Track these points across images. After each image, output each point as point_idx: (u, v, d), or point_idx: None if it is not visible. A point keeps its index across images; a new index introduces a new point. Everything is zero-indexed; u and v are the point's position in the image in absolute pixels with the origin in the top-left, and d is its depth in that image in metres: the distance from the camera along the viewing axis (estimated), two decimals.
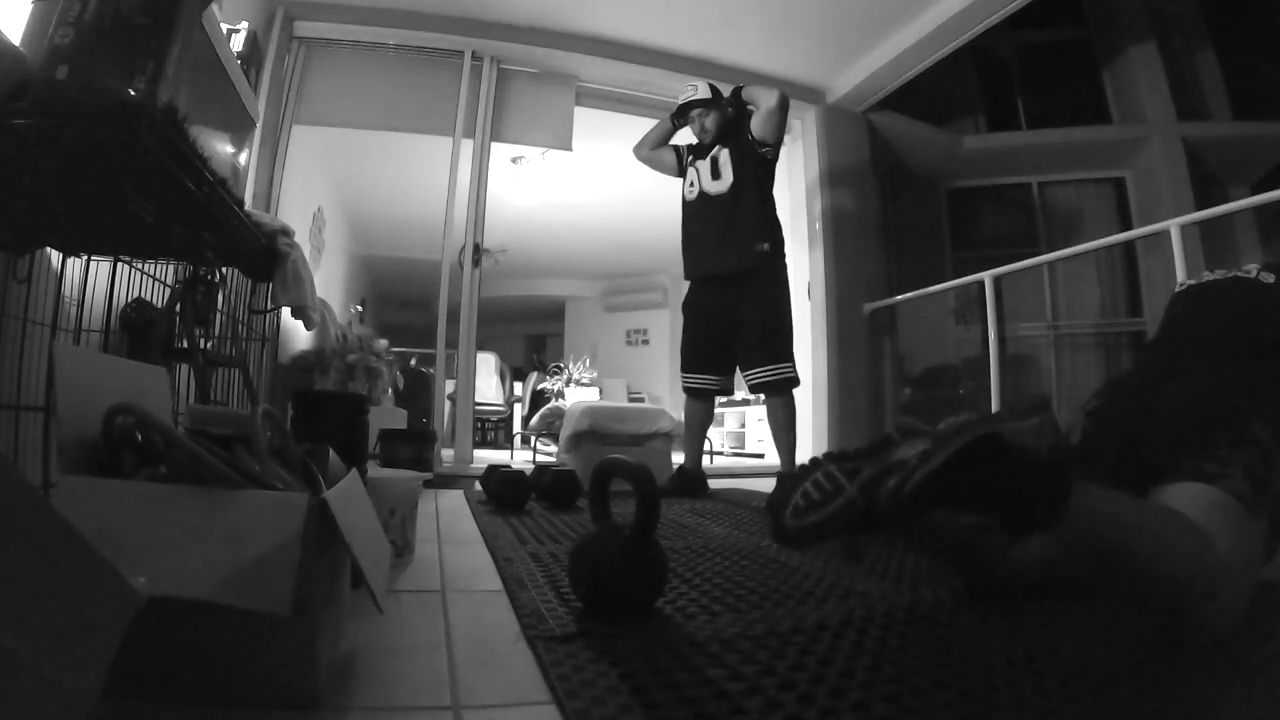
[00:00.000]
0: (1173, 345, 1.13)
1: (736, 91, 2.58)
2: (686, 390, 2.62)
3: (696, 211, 2.60)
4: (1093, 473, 0.90)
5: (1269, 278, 1.05)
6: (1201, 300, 1.15)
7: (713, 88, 2.62)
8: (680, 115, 2.67)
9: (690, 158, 2.67)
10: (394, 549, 1.12)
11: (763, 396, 2.52)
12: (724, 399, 2.97)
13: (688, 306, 2.65)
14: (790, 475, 0.81)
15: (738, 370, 2.59)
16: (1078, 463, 0.96)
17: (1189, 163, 4.82)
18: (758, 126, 2.47)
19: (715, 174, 2.54)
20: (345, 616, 0.77)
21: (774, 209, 2.57)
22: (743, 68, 3.85)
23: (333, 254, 5.04)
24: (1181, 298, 1.19)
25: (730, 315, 2.47)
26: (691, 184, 2.62)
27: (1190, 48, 5.30)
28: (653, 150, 2.81)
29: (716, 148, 2.57)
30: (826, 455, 0.80)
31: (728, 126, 2.58)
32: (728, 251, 2.47)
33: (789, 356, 2.41)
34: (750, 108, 2.55)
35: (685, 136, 2.73)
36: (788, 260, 2.55)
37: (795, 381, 2.40)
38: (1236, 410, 0.87)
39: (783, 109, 2.47)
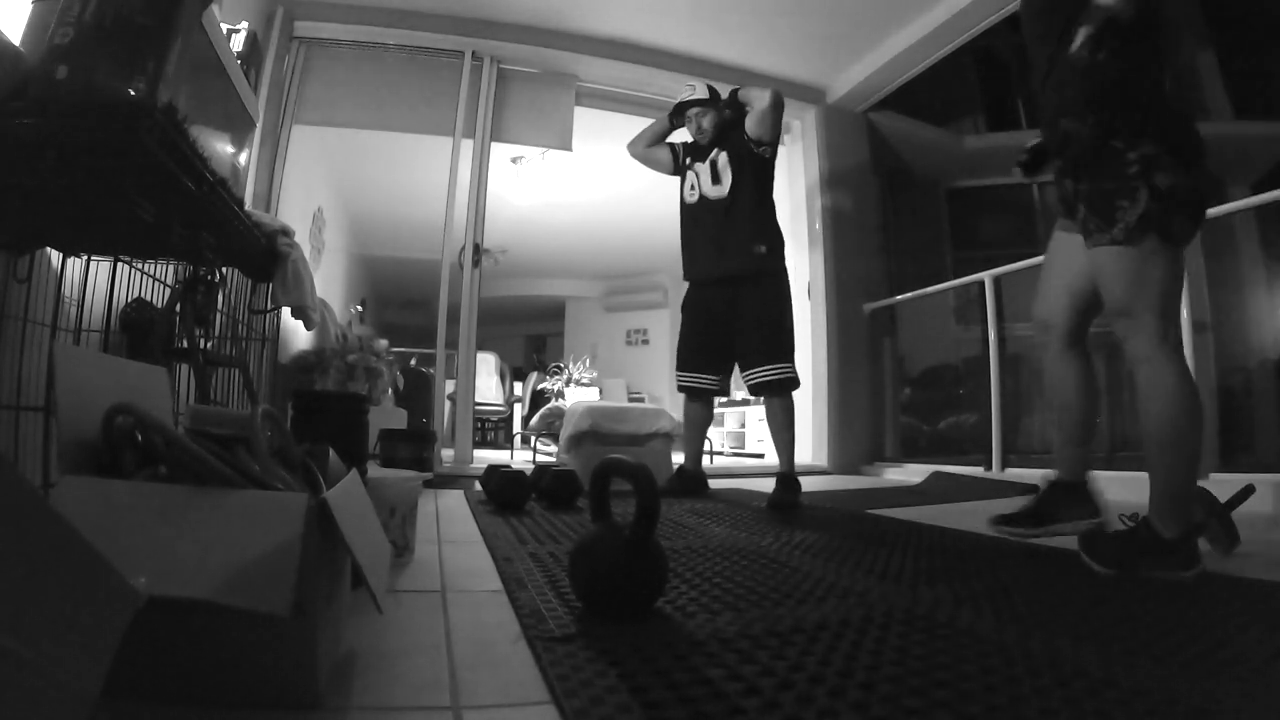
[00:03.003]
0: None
1: (733, 94, 2.57)
2: (682, 389, 2.61)
3: (695, 215, 2.59)
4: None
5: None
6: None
7: (711, 89, 2.61)
8: (678, 114, 2.66)
9: (688, 159, 2.65)
10: (394, 549, 1.12)
11: (762, 397, 2.50)
12: (724, 399, 2.95)
13: (687, 306, 2.64)
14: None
15: (736, 372, 2.58)
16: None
17: None
18: (753, 126, 2.46)
19: (715, 178, 2.53)
20: (345, 616, 0.77)
21: (773, 212, 2.57)
22: (743, 67, 3.85)
23: (333, 254, 5.04)
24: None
25: (729, 315, 2.46)
26: (692, 187, 2.61)
27: (1190, 48, 5.30)
28: (648, 148, 2.79)
29: (715, 150, 2.55)
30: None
31: (725, 128, 2.57)
32: (726, 254, 2.46)
33: (788, 357, 2.40)
34: (746, 109, 2.55)
35: (683, 135, 2.72)
36: (788, 261, 2.54)
37: (795, 383, 2.38)
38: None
39: (776, 108, 2.46)
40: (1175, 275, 1.22)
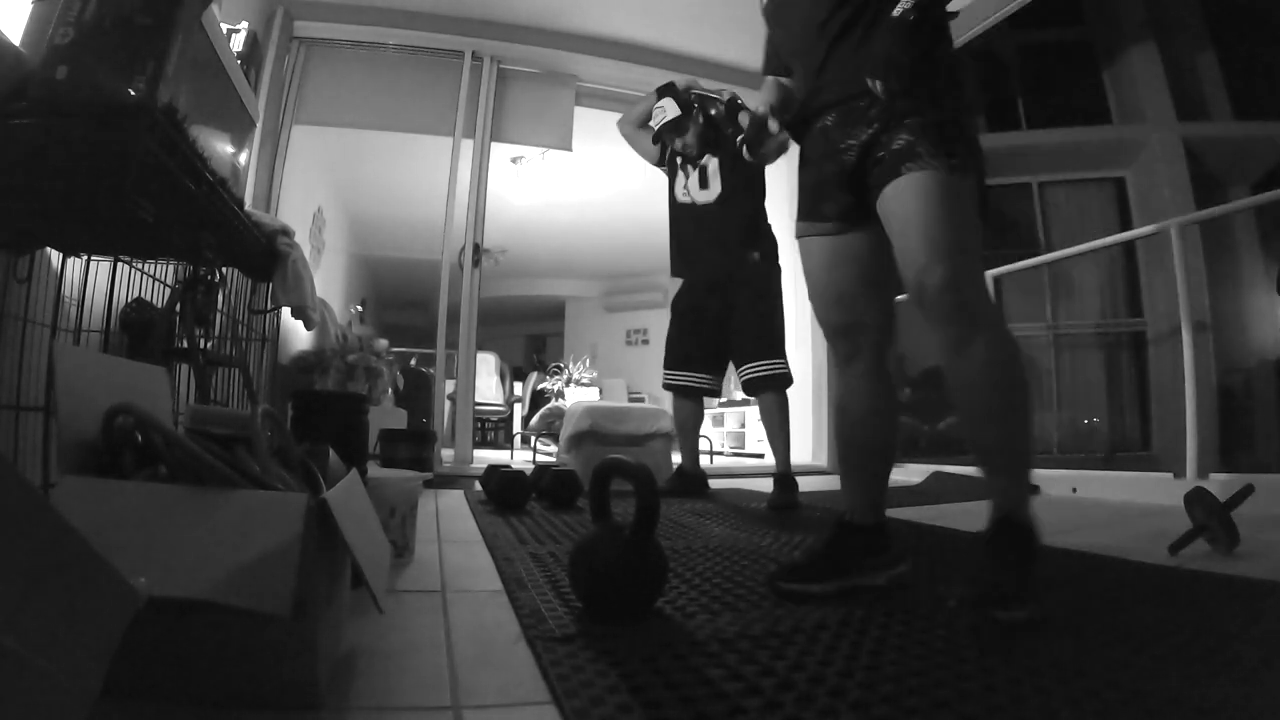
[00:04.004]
0: None
1: (734, 104, 2.41)
2: (669, 388, 2.56)
3: (686, 218, 2.55)
4: None
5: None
6: None
7: (682, 102, 2.46)
8: (658, 135, 2.56)
9: (679, 160, 2.58)
10: (394, 549, 1.12)
11: (756, 396, 2.48)
12: (722, 399, 2.93)
13: (678, 308, 2.62)
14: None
15: (729, 372, 2.56)
16: None
17: (1189, 163, 4.82)
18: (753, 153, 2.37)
19: (704, 183, 2.48)
20: (345, 616, 0.77)
21: (765, 216, 2.53)
22: (743, 67, 3.85)
23: (333, 254, 5.04)
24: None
25: (721, 315, 2.45)
26: (684, 189, 2.55)
27: (1190, 48, 5.30)
28: (636, 129, 2.72)
29: (705, 156, 2.49)
30: None
31: (714, 134, 2.47)
32: (718, 260, 2.44)
33: (781, 353, 2.39)
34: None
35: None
36: (785, 260, 2.53)
37: (788, 379, 2.37)
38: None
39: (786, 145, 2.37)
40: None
